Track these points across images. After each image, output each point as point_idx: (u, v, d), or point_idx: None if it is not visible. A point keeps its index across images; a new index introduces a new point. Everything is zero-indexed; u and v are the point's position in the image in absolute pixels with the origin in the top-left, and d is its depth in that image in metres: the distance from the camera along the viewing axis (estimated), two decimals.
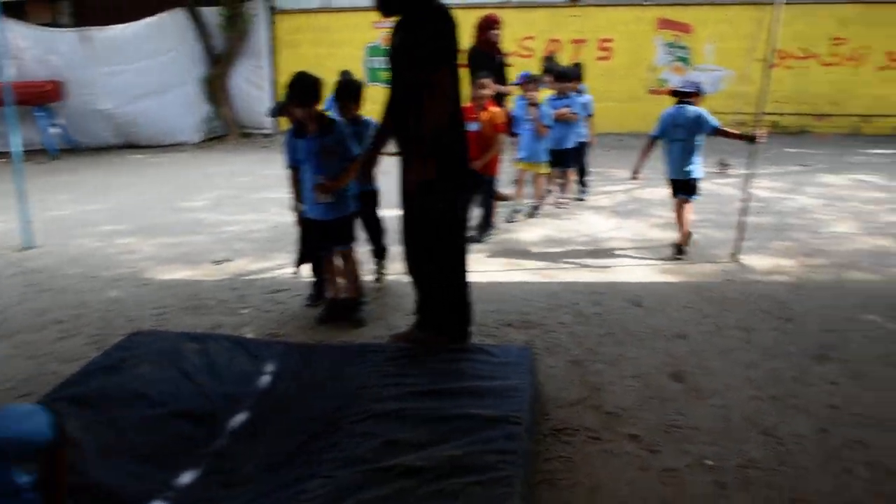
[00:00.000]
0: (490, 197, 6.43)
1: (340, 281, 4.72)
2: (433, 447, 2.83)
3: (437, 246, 3.74)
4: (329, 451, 2.89)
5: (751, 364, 3.88)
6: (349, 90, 4.97)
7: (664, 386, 3.66)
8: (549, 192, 7.69)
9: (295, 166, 4.54)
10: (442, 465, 2.70)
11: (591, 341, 4.21)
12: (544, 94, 7.61)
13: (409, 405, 3.16)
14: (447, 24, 3.58)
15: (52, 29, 13.55)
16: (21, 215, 6.81)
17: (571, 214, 7.44)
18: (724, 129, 5.80)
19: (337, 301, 4.69)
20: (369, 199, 5.14)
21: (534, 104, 6.71)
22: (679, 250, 5.84)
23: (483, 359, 3.53)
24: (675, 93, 6.05)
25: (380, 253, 5.39)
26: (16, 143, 7.00)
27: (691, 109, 5.82)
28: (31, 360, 4.29)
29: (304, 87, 4.25)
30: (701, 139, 5.80)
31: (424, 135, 3.55)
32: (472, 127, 5.96)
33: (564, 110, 7.20)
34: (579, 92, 7.76)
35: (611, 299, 4.90)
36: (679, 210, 5.92)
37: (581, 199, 8.00)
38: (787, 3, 5.51)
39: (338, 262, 4.68)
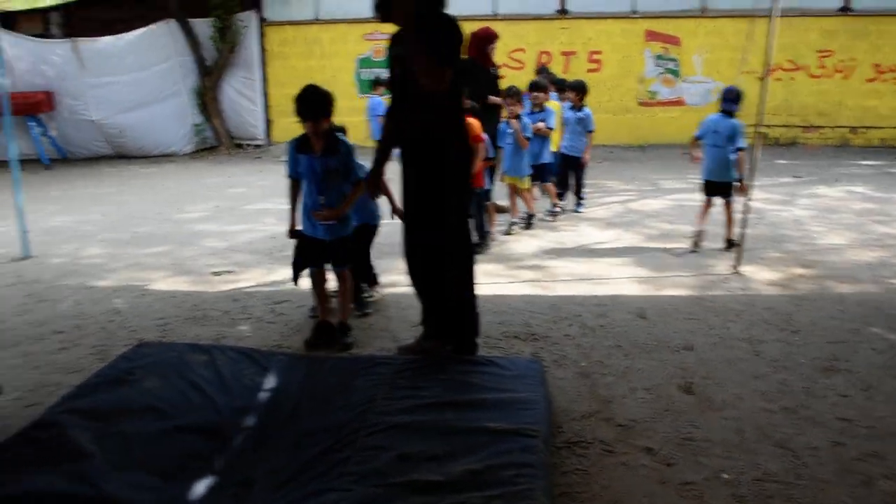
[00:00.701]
0: (481, 209, 6.40)
1: (332, 302, 4.64)
2: (450, 461, 2.81)
3: (450, 257, 3.74)
4: (343, 464, 2.86)
5: (759, 375, 3.90)
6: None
7: (675, 398, 3.66)
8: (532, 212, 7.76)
9: (296, 178, 4.41)
10: (461, 480, 2.68)
11: (598, 353, 4.21)
12: (552, 104, 7.68)
13: (421, 418, 3.14)
14: (455, 32, 3.61)
15: (43, 40, 13.49)
16: (18, 225, 6.73)
17: (569, 226, 7.45)
18: (741, 158, 6.22)
19: (325, 324, 4.48)
20: (367, 232, 5.04)
21: (516, 117, 6.72)
22: (730, 244, 6.26)
23: (493, 371, 3.52)
24: (722, 100, 6.32)
25: (371, 280, 5.25)
26: (13, 153, 6.92)
27: (732, 121, 6.20)
28: (35, 371, 4.25)
29: (313, 102, 4.15)
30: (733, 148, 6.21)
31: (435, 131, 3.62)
32: None
33: (540, 125, 7.18)
34: (580, 107, 7.85)
35: (615, 311, 4.91)
36: (706, 209, 6.45)
37: (578, 212, 8.02)
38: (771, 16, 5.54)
39: (331, 281, 4.57)
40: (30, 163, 12.10)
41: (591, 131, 7.92)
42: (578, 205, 8.12)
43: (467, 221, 3.91)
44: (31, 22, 13.89)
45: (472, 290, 3.85)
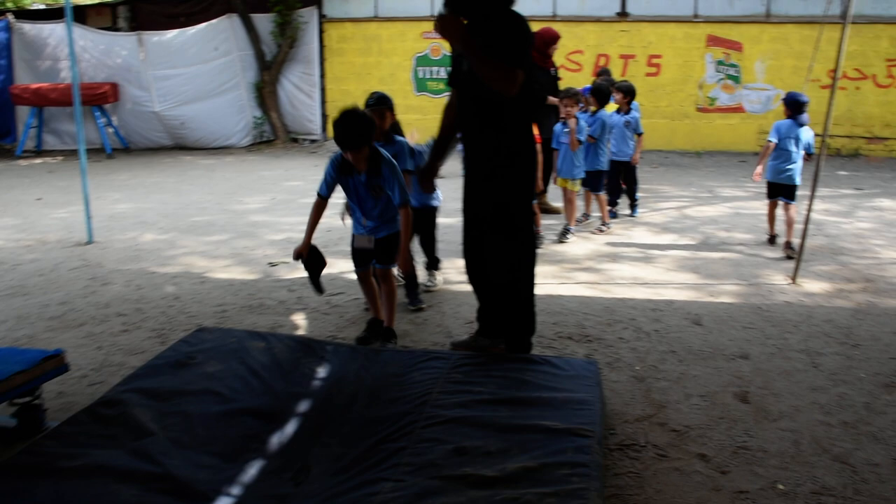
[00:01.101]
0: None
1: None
2: (504, 457, 2.83)
3: (515, 255, 3.76)
4: (398, 455, 2.90)
5: (817, 388, 3.82)
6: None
7: (730, 406, 3.62)
8: (586, 215, 7.71)
9: (324, 197, 4.23)
10: (515, 476, 2.69)
11: (652, 358, 4.18)
12: (611, 108, 7.61)
13: (476, 413, 3.16)
14: (526, 30, 3.61)
15: (110, 33, 13.90)
16: (84, 211, 6.96)
17: (623, 230, 7.40)
18: (806, 159, 6.63)
19: (376, 321, 4.48)
20: (428, 214, 5.24)
21: (572, 118, 6.66)
22: (789, 247, 6.41)
23: (549, 370, 3.53)
24: (791, 104, 6.54)
25: (433, 264, 5.52)
26: (82, 142, 7.16)
27: (807, 128, 6.50)
28: (99, 351, 4.40)
29: (353, 131, 3.92)
30: (800, 153, 6.52)
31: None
32: None
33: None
34: (629, 110, 7.74)
35: (670, 316, 4.87)
36: (773, 211, 6.75)
37: (633, 216, 7.95)
38: (842, 23, 5.43)
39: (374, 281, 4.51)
40: (94, 151, 12.52)
41: (640, 134, 7.81)
42: (633, 209, 8.05)
43: (532, 221, 3.93)
44: (101, 15, 14.33)
45: (532, 289, 3.86)
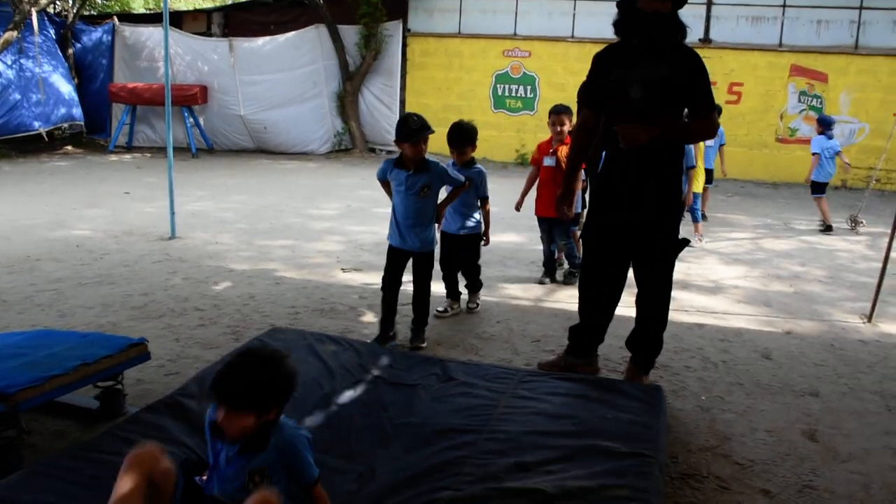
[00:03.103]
0: (567, 238, 6.21)
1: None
2: (564, 474, 2.86)
3: (670, 282, 3.94)
4: (460, 465, 2.95)
5: (891, 432, 3.73)
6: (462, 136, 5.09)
7: (797, 443, 3.57)
8: None
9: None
10: (574, 494, 2.72)
11: (719, 388, 4.15)
12: None
13: (540, 429, 3.20)
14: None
15: (203, 38, 14.50)
16: (169, 207, 7.27)
17: (694, 259, 7.32)
18: (842, 164, 9.92)
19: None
20: (473, 240, 5.31)
21: None
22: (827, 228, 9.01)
23: (615, 393, 3.54)
24: (823, 123, 9.46)
25: (476, 287, 5.51)
26: (170, 140, 7.48)
27: (832, 139, 9.34)
28: (176, 343, 4.59)
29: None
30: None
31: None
32: (548, 162, 5.97)
33: None
34: None
35: (738, 348, 4.82)
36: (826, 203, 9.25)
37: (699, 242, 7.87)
38: None
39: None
40: (180, 150, 13.01)
41: (722, 144, 8.71)
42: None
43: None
44: (197, 20, 14.98)
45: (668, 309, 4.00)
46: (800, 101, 13.17)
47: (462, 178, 4.74)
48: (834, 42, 12.83)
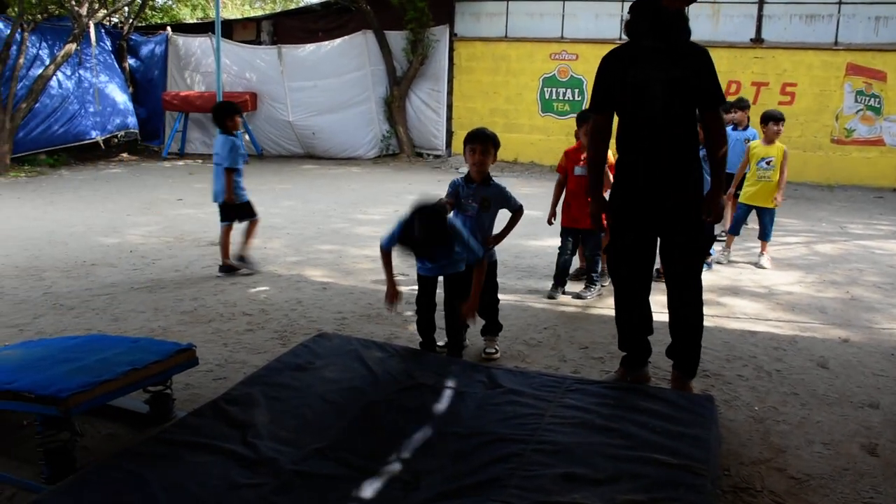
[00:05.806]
0: (597, 250, 5.92)
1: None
2: (613, 486, 2.80)
3: (701, 285, 3.84)
4: (508, 477, 2.91)
5: None
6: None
7: (857, 457, 3.45)
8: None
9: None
10: None
11: (773, 399, 4.04)
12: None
13: (588, 440, 3.15)
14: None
15: (252, 46, 14.75)
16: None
17: (746, 264, 7.16)
18: None
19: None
20: (489, 271, 4.43)
21: None
22: None
23: (665, 402, 3.47)
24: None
25: (495, 329, 4.69)
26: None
27: None
28: (224, 347, 4.65)
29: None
30: None
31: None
32: (580, 171, 5.86)
33: None
34: (746, 126, 8.24)
35: (793, 357, 4.68)
36: None
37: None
38: None
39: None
40: None
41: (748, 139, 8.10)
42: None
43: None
44: (246, 29, 15.27)
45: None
46: (856, 101, 12.80)
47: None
48: (893, 39, 12.43)
